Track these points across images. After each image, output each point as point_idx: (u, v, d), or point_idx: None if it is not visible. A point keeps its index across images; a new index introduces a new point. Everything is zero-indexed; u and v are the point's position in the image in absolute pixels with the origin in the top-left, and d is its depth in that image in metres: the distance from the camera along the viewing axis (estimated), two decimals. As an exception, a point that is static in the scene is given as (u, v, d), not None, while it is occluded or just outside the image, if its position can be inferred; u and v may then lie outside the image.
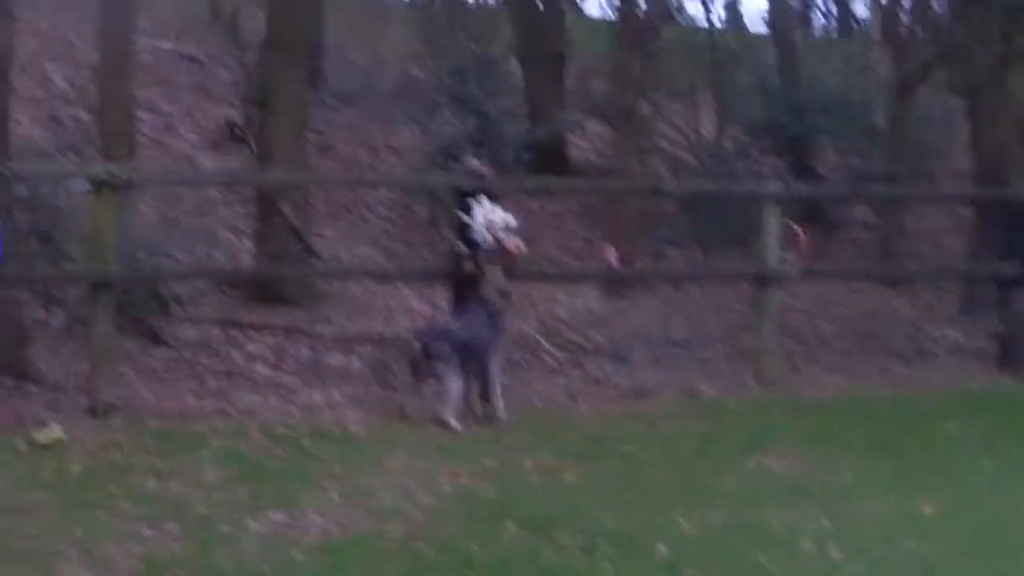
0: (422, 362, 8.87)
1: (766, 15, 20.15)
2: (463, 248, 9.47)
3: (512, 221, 9.54)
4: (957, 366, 11.81)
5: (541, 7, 17.86)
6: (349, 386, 9.92)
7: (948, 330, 12.78)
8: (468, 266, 9.44)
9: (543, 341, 11.73)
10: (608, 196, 14.99)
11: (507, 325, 9.55)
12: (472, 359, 8.93)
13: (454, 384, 8.85)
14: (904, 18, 18.02)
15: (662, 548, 6.40)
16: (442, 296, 11.61)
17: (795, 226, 11.07)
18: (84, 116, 15.55)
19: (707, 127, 17.70)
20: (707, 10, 21.67)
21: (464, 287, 9.55)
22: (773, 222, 10.60)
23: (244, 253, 13.14)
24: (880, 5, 19.05)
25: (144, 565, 6.02)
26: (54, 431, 8.01)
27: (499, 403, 9.08)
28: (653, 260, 14.77)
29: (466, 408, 9.03)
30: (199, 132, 16.36)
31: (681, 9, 18.10)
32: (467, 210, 9.47)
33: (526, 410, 9.42)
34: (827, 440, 8.71)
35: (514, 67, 17.78)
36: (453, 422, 8.78)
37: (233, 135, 16.00)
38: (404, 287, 12.97)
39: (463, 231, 9.48)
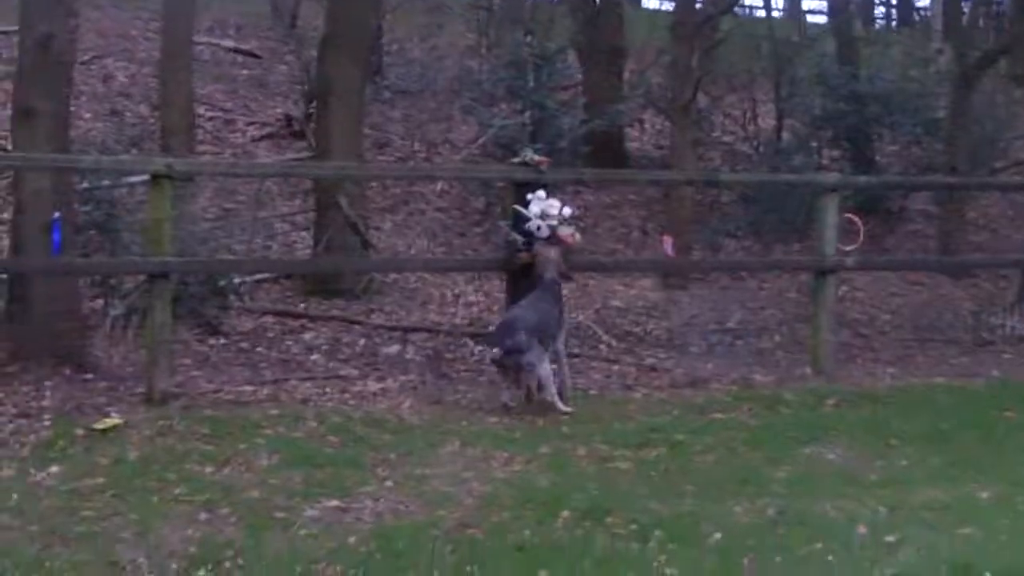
0: (512, 361, 8.84)
1: (826, 5, 19.98)
2: (518, 239, 9.47)
3: (568, 212, 9.55)
4: (1016, 355, 11.67)
5: (599, 0, 17.81)
6: (404, 375, 9.93)
7: (1007, 319, 12.60)
8: (524, 257, 9.45)
9: (599, 331, 11.69)
10: (665, 187, 14.91)
11: (567, 313, 9.52)
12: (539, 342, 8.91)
13: (547, 367, 8.89)
14: (966, 8, 17.80)
15: (716, 535, 6.36)
16: (497, 287, 11.74)
17: (853, 217, 11.00)
18: (145, 111, 15.77)
19: (765, 118, 17.59)
20: (766, 0, 21.38)
21: (520, 278, 9.56)
22: (831, 212, 10.56)
23: (301, 245, 13.19)
24: (942, -5, 18.86)
25: (199, 548, 6.06)
26: (112, 418, 8.09)
27: (551, 393, 9.01)
28: (710, 250, 14.70)
29: (523, 394, 9.04)
30: (258, 127, 16.45)
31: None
32: (523, 202, 9.50)
33: (581, 398, 9.40)
34: (883, 430, 8.63)
35: (572, 60, 17.74)
36: (561, 404, 8.84)
37: (291, 129, 16.10)
38: (459, 278, 12.98)
39: (519, 222, 9.49)
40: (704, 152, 16.81)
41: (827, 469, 7.77)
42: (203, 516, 6.53)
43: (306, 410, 8.67)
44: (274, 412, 8.51)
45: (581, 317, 11.80)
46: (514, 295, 9.63)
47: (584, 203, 15.50)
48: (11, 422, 8.02)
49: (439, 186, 15.14)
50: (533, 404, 8.94)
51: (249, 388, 9.31)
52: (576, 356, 10.57)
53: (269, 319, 11.44)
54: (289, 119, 16.29)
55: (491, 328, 9.32)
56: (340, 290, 12.08)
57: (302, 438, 7.99)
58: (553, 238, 9.47)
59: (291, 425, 8.21)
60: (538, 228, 9.40)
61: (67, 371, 9.04)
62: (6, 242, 9.98)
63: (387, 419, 8.53)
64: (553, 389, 8.88)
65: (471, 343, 11.04)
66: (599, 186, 16.07)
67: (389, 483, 7.20)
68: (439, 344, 11.00)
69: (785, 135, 16.95)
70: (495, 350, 8.77)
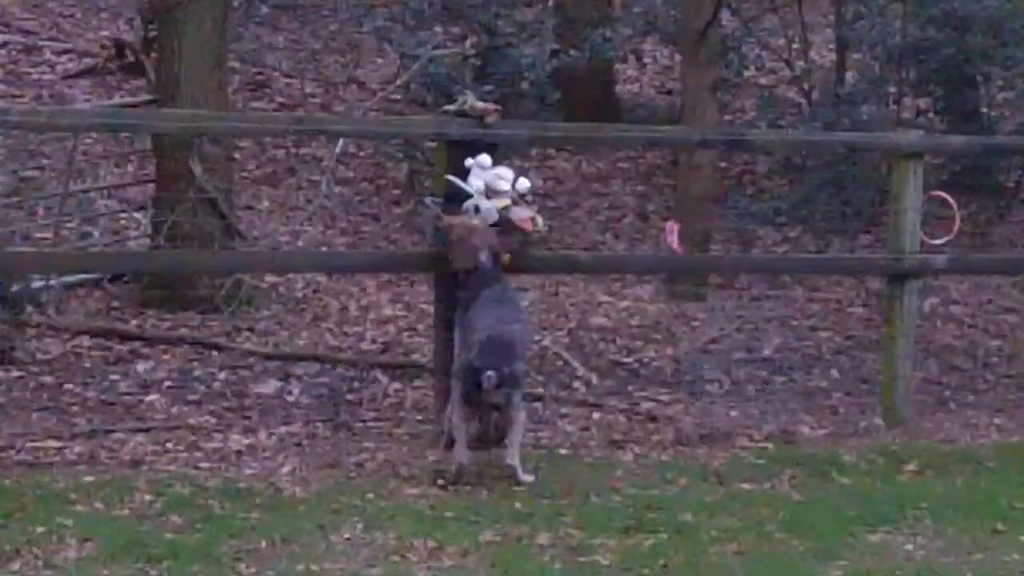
0: (502, 397, 8.86)
1: None
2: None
3: (525, 185, 9.59)
4: None
5: None
6: (285, 425, 9.92)
7: None
8: None
9: (573, 361, 11.65)
10: (673, 150, 14.88)
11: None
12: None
13: (523, 416, 9.01)
14: None
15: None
16: (424, 295, 11.72)
17: (946, 196, 11.07)
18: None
19: (820, 51, 17.64)
20: None
21: (455, 281, 9.59)
22: (913, 189, 10.62)
23: (135, 232, 13.13)
24: None
25: None
26: None
27: (516, 453, 9.00)
28: (737, 244, 14.70)
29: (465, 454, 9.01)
30: (74, 58, 16.41)
31: None
32: (461, 171, 9.54)
33: (546, 460, 9.40)
34: (984, 507, 8.66)
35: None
36: (526, 476, 8.91)
37: (123, 62, 16.07)
38: (369, 282, 12.89)
39: (453, 200, 9.53)
40: (731, 100, 16.85)
41: (903, 565, 7.76)
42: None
43: (137, 476, 8.65)
44: (90, 479, 8.46)
45: (547, 341, 11.77)
46: (448, 307, 9.65)
47: (554, 173, 15.61)
48: None
49: (340, 146, 14.98)
50: (482, 453, 9.01)
51: (54, 443, 9.25)
52: (538, 398, 10.55)
53: (85, 341, 11.35)
54: (120, 47, 16.25)
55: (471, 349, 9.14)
56: (192, 299, 12.05)
57: (130, 517, 7.94)
58: (503, 224, 9.51)
59: (114, 498, 8.17)
60: (477, 210, 9.41)
61: None
62: None
63: (258, 489, 8.51)
64: (520, 451, 8.96)
65: (384, 378, 11.03)
66: (576, 148, 16.04)
67: (257, 585, 7.15)
68: (337, 380, 10.98)
69: (849, 75, 16.91)
70: (490, 374, 8.72)
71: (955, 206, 10.87)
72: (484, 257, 9.33)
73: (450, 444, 9.17)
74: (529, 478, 8.91)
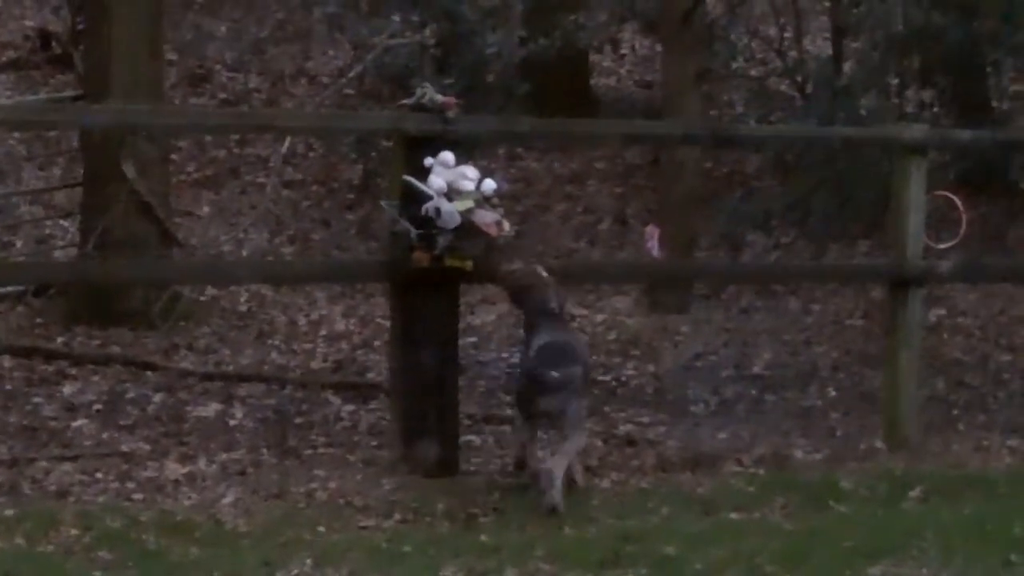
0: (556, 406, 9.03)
1: None
2: (411, 230, 9.49)
3: (491, 186, 9.64)
4: None
5: None
6: (227, 451, 9.95)
7: None
8: (420, 258, 9.47)
9: None
10: (653, 147, 14.94)
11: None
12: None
13: (583, 436, 9.23)
14: None
15: None
16: (380, 309, 11.96)
17: (951, 196, 11.08)
18: None
19: (816, 38, 17.79)
20: None
21: (414, 293, 9.62)
22: (916, 187, 10.62)
23: (61, 240, 13.23)
24: None
25: None
26: None
27: (562, 463, 9.01)
28: (725, 250, 14.76)
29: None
30: (-6, 48, 16.30)
31: None
32: (420, 171, 9.54)
33: (513, 487, 9.37)
34: (996, 537, 8.59)
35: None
36: (559, 500, 8.88)
37: (49, 54, 16.21)
38: (320, 294, 12.99)
39: (412, 203, 9.53)
40: (716, 93, 16.97)
41: (908, 602, 7.73)
42: None
43: (63, 508, 8.61)
44: (10, 512, 8.46)
45: (516, 358, 11.51)
46: (406, 321, 9.64)
47: (522, 173, 15.78)
48: None
49: (287, 145, 15.00)
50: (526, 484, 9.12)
51: (-29, 472, 9.24)
52: (506, 421, 10.54)
53: (6, 361, 11.44)
54: (46, 38, 16.31)
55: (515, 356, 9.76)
56: (124, 313, 12.15)
57: (55, 553, 7.92)
58: (469, 229, 9.50)
59: (38, 532, 8.15)
60: (438, 212, 9.37)
61: None
62: None
63: (196, 522, 8.49)
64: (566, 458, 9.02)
65: (336, 400, 11.07)
66: (547, 146, 16.19)
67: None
68: (284, 402, 11.04)
69: (847, 65, 16.96)
70: (553, 373, 8.95)
71: (962, 207, 10.89)
72: (552, 297, 9.57)
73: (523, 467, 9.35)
74: (556, 500, 8.84)
